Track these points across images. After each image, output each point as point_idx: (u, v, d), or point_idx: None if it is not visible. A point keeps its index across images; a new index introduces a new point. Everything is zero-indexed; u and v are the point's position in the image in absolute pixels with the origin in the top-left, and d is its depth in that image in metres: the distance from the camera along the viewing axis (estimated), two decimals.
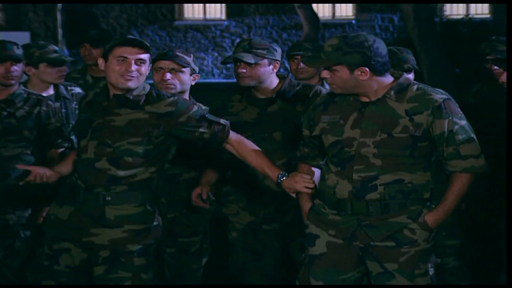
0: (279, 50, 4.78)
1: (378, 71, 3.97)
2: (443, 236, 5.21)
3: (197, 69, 4.95)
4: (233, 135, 4.33)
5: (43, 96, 5.10)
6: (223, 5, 21.34)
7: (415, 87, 4.02)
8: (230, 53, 20.85)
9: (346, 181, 4.01)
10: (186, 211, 4.97)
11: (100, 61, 4.26)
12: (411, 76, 5.06)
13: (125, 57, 4.16)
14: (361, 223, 4.02)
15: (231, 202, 4.90)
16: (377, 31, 20.82)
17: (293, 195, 4.20)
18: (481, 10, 20.74)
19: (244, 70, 4.66)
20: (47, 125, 4.96)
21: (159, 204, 4.50)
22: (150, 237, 4.27)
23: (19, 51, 5.00)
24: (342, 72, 3.94)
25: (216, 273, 5.68)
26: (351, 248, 4.06)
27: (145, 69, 4.24)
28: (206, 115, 4.30)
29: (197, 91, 5.23)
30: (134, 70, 4.17)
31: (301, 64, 5.78)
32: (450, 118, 3.94)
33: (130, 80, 4.18)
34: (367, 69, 3.93)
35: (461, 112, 4.01)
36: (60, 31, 20.27)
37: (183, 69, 4.84)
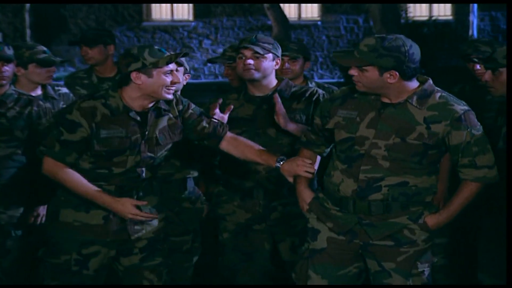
0: (280, 48, 4.81)
1: (407, 76, 3.93)
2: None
3: (188, 68, 4.96)
4: (229, 132, 4.39)
5: (34, 97, 5.08)
6: (191, 6, 21.31)
7: (438, 94, 3.99)
8: (198, 54, 20.61)
9: (352, 180, 4.01)
10: (178, 210, 4.99)
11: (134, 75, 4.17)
12: None
13: (172, 70, 4.20)
14: (362, 221, 4.03)
15: (225, 202, 4.91)
16: (342, 32, 20.95)
17: (291, 179, 4.18)
18: (443, 12, 20.96)
19: (252, 62, 4.64)
20: (38, 125, 4.94)
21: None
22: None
23: (10, 52, 4.98)
24: (372, 72, 3.90)
25: (206, 273, 5.64)
26: (351, 245, 4.08)
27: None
28: (203, 111, 4.40)
29: None
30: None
31: (286, 64, 5.79)
32: (468, 130, 3.94)
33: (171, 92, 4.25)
34: (397, 73, 3.89)
35: (479, 124, 4.01)
36: (28, 31, 20.15)
37: (178, 68, 4.77)
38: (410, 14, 19.34)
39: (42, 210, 5.03)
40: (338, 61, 4.14)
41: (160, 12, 21.56)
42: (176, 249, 5.01)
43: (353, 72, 3.95)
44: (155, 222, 4.37)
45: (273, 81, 4.81)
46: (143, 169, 4.27)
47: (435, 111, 3.94)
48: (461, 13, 20.77)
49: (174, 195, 4.96)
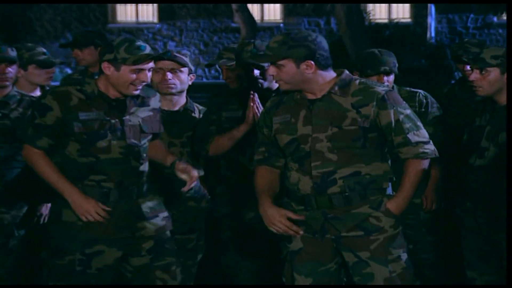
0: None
1: (322, 65, 3.99)
2: (423, 233, 5.24)
3: (193, 68, 4.95)
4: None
5: (36, 98, 5.09)
6: (155, 8, 21.29)
7: (357, 81, 4.06)
8: None
9: (307, 177, 4.03)
10: (183, 209, 4.96)
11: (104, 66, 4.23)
12: (390, 78, 5.04)
13: (142, 69, 4.22)
14: (327, 216, 4.06)
15: (229, 201, 4.91)
16: None
17: (183, 176, 4.29)
18: (402, 14, 21.20)
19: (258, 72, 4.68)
20: None
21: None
22: (171, 222, 4.47)
23: (13, 53, 4.94)
24: (289, 66, 3.96)
25: (208, 271, 5.67)
26: (325, 241, 4.09)
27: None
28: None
29: None
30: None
31: None
32: (394, 108, 3.98)
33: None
34: (312, 62, 3.96)
35: (404, 102, 4.06)
36: None
37: (182, 69, 4.84)
38: (371, 17, 19.53)
39: (45, 210, 5.01)
40: (256, 61, 4.27)
41: (125, 14, 21.51)
42: (180, 247, 4.99)
43: (271, 71, 4.02)
44: (157, 221, 4.35)
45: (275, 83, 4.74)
46: (139, 164, 4.27)
47: (360, 96, 4.00)
48: (419, 16, 21.01)
49: (179, 194, 4.95)
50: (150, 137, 4.35)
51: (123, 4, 21.50)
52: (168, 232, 4.42)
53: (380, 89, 4.02)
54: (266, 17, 21.27)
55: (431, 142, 4.04)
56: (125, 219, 4.27)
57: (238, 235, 4.88)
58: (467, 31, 21.11)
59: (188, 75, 4.92)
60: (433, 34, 20.56)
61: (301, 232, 4.08)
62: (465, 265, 4.66)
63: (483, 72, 4.44)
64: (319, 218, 4.07)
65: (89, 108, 4.21)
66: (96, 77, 4.32)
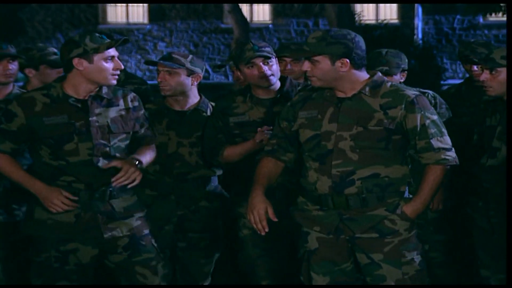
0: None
1: (357, 64, 3.98)
2: (431, 231, 5.25)
3: (197, 70, 4.91)
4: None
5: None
6: (146, 9, 21.25)
7: (388, 84, 4.07)
8: (153, 56, 20.55)
9: (326, 177, 4.03)
10: (194, 209, 4.97)
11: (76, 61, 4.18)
12: (393, 78, 5.01)
13: (113, 56, 4.22)
14: (343, 217, 4.06)
15: (245, 200, 4.74)
16: (293, 35, 21.09)
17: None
18: (390, 15, 21.25)
19: (268, 69, 4.68)
20: None
21: (170, 201, 4.64)
22: (149, 220, 4.47)
23: (13, 50, 5.04)
24: (324, 63, 3.96)
25: (225, 267, 5.63)
26: (340, 241, 4.10)
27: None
28: (147, 118, 4.51)
29: None
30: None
31: (289, 65, 5.70)
32: (422, 113, 3.99)
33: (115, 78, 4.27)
34: (347, 60, 3.94)
35: (432, 107, 4.07)
36: None
37: (178, 71, 4.83)
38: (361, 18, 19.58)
39: None
40: (290, 56, 4.16)
41: (116, 16, 21.45)
42: (193, 245, 5.01)
43: (305, 67, 4.01)
44: (131, 221, 4.34)
45: (278, 83, 4.79)
46: (100, 159, 4.23)
47: (389, 98, 4.01)
48: (406, 17, 21.06)
49: (190, 193, 4.96)
50: (123, 136, 4.30)
51: (113, 6, 21.45)
52: (144, 231, 4.39)
53: (410, 93, 4.03)
54: (255, 18, 21.27)
55: (453, 149, 4.04)
56: (94, 220, 4.26)
57: (256, 233, 4.78)
58: (454, 32, 21.19)
59: (189, 76, 4.90)
60: (420, 35, 20.63)
61: (266, 230, 4.07)
62: (478, 264, 4.70)
63: (493, 72, 4.48)
64: (334, 219, 4.08)
65: (53, 112, 4.21)
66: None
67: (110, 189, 4.27)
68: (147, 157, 4.41)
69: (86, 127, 4.21)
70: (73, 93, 4.23)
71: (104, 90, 4.28)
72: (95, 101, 4.24)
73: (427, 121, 3.99)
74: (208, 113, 5.00)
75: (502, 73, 4.46)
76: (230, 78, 20.98)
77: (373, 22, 20.22)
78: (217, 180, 5.07)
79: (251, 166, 4.75)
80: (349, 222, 4.06)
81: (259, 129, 4.61)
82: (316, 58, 3.96)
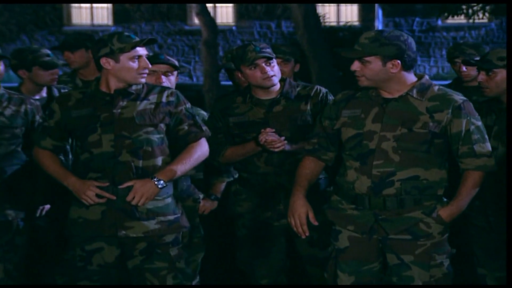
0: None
1: (407, 66, 3.96)
2: None
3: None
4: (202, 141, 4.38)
5: (24, 95, 5.03)
6: (110, 11, 21.17)
7: (436, 87, 4.03)
8: None
9: (365, 177, 4.00)
10: None
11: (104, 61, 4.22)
12: None
13: (140, 56, 4.22)
14: (378, 217, 4.03)
15: (244, 200, 4.85)
16: (256, 37, 21.16)
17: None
18: (351, 18, 21.45)
19: (271, 69, 4.67)
20: (33, 122, 4.85)
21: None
22: (180, 226, 4.33)
23: None
24: (375, 63, 3.91)
25: (225, 267, 5.62)
26: (371, 241, 4.08)
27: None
28: (196, 117, 4.39)
29: None
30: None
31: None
32: (468, 118, 3.97)
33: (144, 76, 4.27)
34: (399, 62, 3.92)
35: (477, 114, 4.04)
36: None
37: (174, 72, 4.81)
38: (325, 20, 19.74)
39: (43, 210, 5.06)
40: (344, 55, 4.08)
41: (80, 17, 21.33)
42: None
43: (355, 67, 3.95)
44: (150, 224, 4.25)
45: (278, 84, 4.76)
46: (134, 158, 4.20)
47: (436, 101, 3.98)
48: (367, 19, 21.27)
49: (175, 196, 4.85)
50: (150, 129, 4.23)
51: (78, 7, 21.35)
52: (165, 237, 4.29)
53: (458, 98, 4.00)
54: (218, 20, 21.22)
55: (493, 156, 4.03)
56: (114, 217, 4.24)
57: (254, 232, 4.86)
58: (413, 34, 21.42)
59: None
60: None
61: (307, 234, 4.08)
62: (475, 263, 4.70)
63: (490, 74, 4.51)
64: (369, 219, 4.05)
65: (82, 106, 4.28)
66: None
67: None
68: (182, 163, 4.28)
69: (110, 119, 4.22)
70: (105, 89, 4.27)
71: (134, 86, 4.28)
72: (121, 95, 4.24)
73: (472, 127, 3.97)
74: None
75: (499, 74, 4.48)
76: (195, 79, 21.07)
77: (334, 24, 20.41)
78: (190, 180, 4.99)
79: (248, 166, 4.80)
80: (384, 223, 4.03)
81: (262, 130, 4.60)
82: (368, 58, 3.91)
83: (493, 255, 4.60)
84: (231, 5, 21.49)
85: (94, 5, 21.39)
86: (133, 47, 4.15)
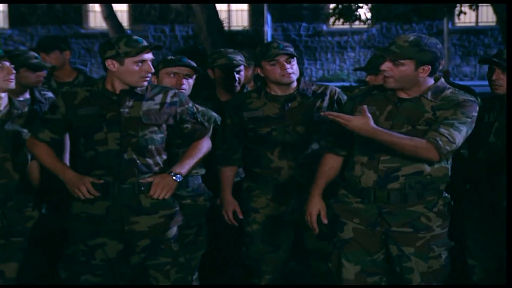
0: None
1: (433, 72, 3.99)
2: None
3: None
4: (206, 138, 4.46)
5: (11, 99, 4.95)
6: (6, 14, 20.82)
7: (449, 90, 4.04)
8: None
9: (372, 171, 4.03)
10: (179, 206, 4.69)
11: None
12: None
13: (144, 60, 4.20)
14: (382, 210, 4.06)
15: (258, 196, 4.78)
16: (151, 40, 21.28)
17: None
18: (241, 22, 21.86)
19: (290, 67, 4.63)
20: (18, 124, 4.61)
21: None
22: (178, 220, 4.39)
23: None
24: (408, 67, 3.91)
25: (231, 262, 5.53)
26: (375, 233, 4.11)
27: None
28: (197, 115, 4.40)
29: None
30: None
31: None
32: (459, 110, 3.93)
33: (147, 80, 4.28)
34: (430, 67, 3.93)
35: (471, 114, 3.96)
36: None
37: (194, 75, 4.79)
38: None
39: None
40: (380, 53, 4.10)
41: None
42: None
43: (385, 67, 3.94)
44: (154, 218, 4.28)
45: (295, 82, 4.73)
46: (139, 156, 4.22)
47: (443, 101, 3.98)
48: (257, 24, 21.69)
49: (174, 191, 4.60)
50: (154, 129, 4.26)
51: None
52: (168, 232, 4.33)
53: (462, 97, 3.98)
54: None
55: (453, 146, 3.88)
56: (119, 213, 4.25)
57: (267, 228, 4.79)
58: (300, 38, 21.98)
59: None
60: (269, 40, 21.30)
61: (316, 231, 4.21)
62: (466, 254, 4.75)
63: (504, 72, 4.48)
64: (374, 212, 4.08)
65: (88, 104, 4.26)
66: None
67: (139, 183, 4.25)
68: (192, 157, 4.38)
69: (116, 118, 4.22)
70: (111, 88, 4.27)
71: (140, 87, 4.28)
72: (127, 95, 4.24)
73: (455, 115, 3.92)
74: None
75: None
76: None
77: (226, 28, 20.78)
78: (201, 179, 4.95)
79: (260, 162, 4.78)
80: (387, 216, 4.06)
81: None
82: (402, 61, 3.90)
83: (485, 248, 4.67)
84: (125, 9, 21.51)
85: None
86: (139, 53, 4.15)
